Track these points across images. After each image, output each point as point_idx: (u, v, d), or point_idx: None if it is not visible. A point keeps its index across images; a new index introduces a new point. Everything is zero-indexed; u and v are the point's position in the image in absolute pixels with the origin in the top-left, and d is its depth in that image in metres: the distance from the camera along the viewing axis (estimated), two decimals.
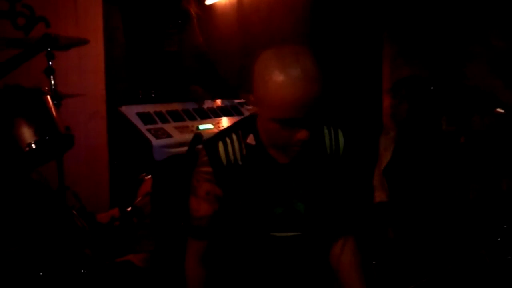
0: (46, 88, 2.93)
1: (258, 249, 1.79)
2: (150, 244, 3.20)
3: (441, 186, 2.89)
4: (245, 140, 1.74)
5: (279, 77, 1.51)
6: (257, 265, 1.82)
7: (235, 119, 3.14)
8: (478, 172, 2.73)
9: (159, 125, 2.92)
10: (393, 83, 3.24)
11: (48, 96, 2.76)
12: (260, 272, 1.82)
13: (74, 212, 3.21)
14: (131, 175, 3.56)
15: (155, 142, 2.78)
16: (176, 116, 3.03)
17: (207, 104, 3.23)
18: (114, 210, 3.69)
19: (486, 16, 2.60)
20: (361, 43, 4.48)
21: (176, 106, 3.10)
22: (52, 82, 3.02)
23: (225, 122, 3.15)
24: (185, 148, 2.70)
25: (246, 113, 3.29)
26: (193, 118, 3.06)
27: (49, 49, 3.02)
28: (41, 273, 2.61)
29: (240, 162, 1.73)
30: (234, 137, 1.75)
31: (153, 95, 3.17)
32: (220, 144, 1.74)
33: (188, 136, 2.74)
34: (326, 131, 1.80)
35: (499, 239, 2.46)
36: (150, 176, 3.39)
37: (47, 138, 2.63)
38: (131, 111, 2.93)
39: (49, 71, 3.02)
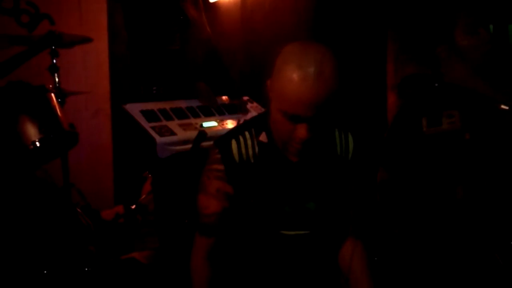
0: (50, 85, 2.93)
1: (268, 247, 1.79)
2: (154, 241, 3.20)
3: (449, 185, 2.88)
4: (258, 137, 1.74)
5: (294, 72, 1.52)
6: (266, 262, 1.81)
7: (240, 116, 3.14)
8: (487, 169, 2.71)
9: (163, 122, 2.91)
10: (398, 83, 3.23)
11: (52, 94, 2.77)
12: (268, 270, 1.82)
13: (79, 209, 3.21)
14: (135, 173, 3.56)
15: (159, 139, 2.78)
16: (180, 114, 3.02)
17: (212, 100, 3.23)
18: (119, 208, 3.70)
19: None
20: (365, 40, 4.47)
21: (180, 104, 3.10)
22: (56, 79, 3.02)
23: (229, 119, 3.14)
24: (189, 146, 2.70)
25: (251, 111, 3.28)
26: (197, 116, 3.05)
27: (53, 47, 3.02)
28: (45, 271, 2.61)
29: (252, 160, 1.73)
30: (247, 135, 1.75)
31: (156, 92, 3.17)
32: (233, 142, 1.74)
33: (192, 134, 2.74)
34: (337, 132, 1.80)
35: None
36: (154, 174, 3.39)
37: (51, 135, 2.63)
38: (135, 109, 2.93)
39: (53, 68, 3.02)
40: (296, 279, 1.83)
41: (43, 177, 3.05)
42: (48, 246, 2.75)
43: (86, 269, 2.71)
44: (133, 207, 3.49)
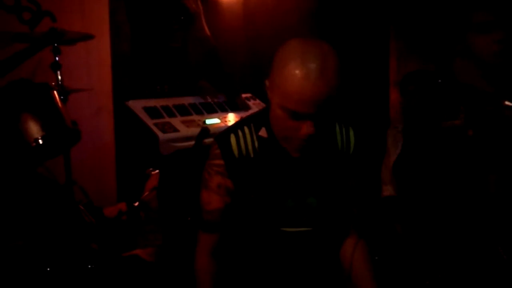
0: (53, 83, 2.93)
1: (269, 244, 1.78)
2: (157, 238, 3.20)
3: (453, 180, 2.87)
4: (257, 133, 1.74)
5: (296, 68, 1.51)
6: (267, 260, 1.81)
7: (242, 113, 3.14)
8: (492, 163, 2.70)
9: (166, 119, 2.91)
10: (401, 80, 3.22)
11: (55, 91, 2.77)
12: (270, 267, 1.82)
13: (81, 206, 3.21)
14: (138, 170, 3.56)
15: (161, 136, 2.78)
16: (183, 110, 3.02)
17: (214, 98, 3.23)
18: (121, 205, 3.70)
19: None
20: (368, 36, 4.46)
21: (183, 100, 3.10)
22: (59, 77, 3.02)
23: (231, 116, 3.14)
24: (192, 142, 2.70)
25: (253, 108, 3.28)
26: (199, 112, 3.05)
27: (55, 44, 3.02)
28: (48, 268, 2.61)
29: (252, 155, 1.73)
30: (246, 130, 1.75)
31: (159, 89, 3.17)
32: (232, 137, 1.74)
33: (195, 130, 2.74)
34: (337, 127, 1.80)
35: None
36: (157, 170, 3.39)
37: (54, 133, 2.63)
38: (137, 106, 2.93)
39: (56, 66, 3.02)
40: (298, 276, 1.83)
41: (45, 174, 3.05)
42: (51, 244, 2.75)
43: (89, 266, 2.71)
44: (136, 204, 3.48)
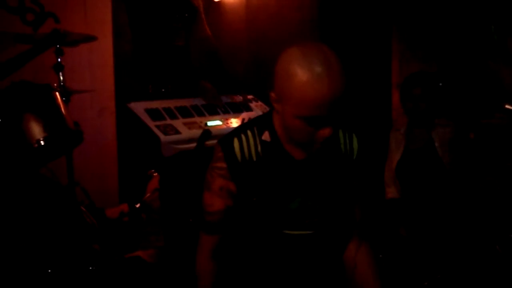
0: (55, 84, 2.93)
1: (271, 246, 1.79)
2: (159, 239, 3.20)
3: (453, 183, 2.87)
4: (261, 136, 1.74)
5: (305, 75, 1.51)
6: (269, 262, 1.81)
7: (244, 115, 3.14)
8: (491, 166, 2.71)
9: (168, 121, 2.92)
10: (402, 82, 3.22)
11: (57, 92, 2.76)
12: (272, 270, 1.82)
13: (83, 208, 3.21)
14: (140, 171, 3.56)
15: (163, 138, 2.78)
16: (185, 112, 3.03)
17: (218, 101, 3.22)
18: (123, 206, 3.69)
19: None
20: (370, 38, 4.46)
21: (185, 102, 3.11)
22: (61, 78, 3.02)
23: (233, 118, 3.14)
24: (193, 144, 2.70)
25: (255, 109, 3.28)
26: (201, 114, 3.06)
27: (58, 46, 3.02)
28: (49, 270, 2.61)
29: (255, 159, 1.73)
30: (249, 133, 1.76)
31: (163, 90, 3.17)
32: (235, 141, 1.74)
33: (197, 132, 2.75)
34: (340, 131, 1.80)
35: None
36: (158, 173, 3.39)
37: (56, 134, 2.63)
38: (139, 107, 2.93)
39: (58, 67, 3.02)
40: (300, 279, 1.83)
41: (47, 175, 3.05)
42: (52, 245, 2.75)
43: (91, 267, 2.71)
44: (138, 205, 3.48)
